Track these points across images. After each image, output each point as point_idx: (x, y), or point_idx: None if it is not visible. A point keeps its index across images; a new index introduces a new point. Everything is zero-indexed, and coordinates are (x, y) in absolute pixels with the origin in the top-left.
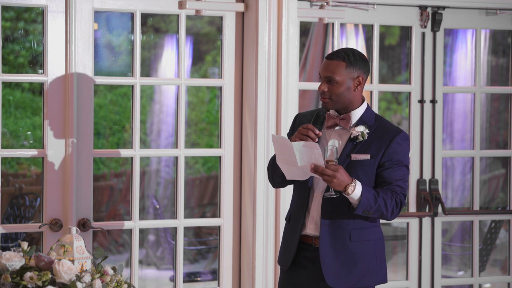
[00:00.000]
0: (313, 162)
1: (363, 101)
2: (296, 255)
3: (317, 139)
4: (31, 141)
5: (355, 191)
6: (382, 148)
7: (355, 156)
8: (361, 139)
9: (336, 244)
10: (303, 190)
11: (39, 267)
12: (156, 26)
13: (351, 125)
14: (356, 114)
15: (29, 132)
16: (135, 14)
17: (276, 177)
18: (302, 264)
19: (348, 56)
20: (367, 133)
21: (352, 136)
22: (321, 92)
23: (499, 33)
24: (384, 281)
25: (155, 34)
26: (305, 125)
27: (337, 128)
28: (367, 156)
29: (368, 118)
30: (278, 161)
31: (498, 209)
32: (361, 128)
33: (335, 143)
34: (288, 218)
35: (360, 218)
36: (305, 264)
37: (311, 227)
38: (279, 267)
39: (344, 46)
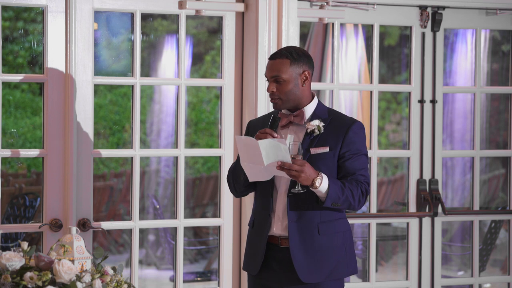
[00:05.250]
0: (280, 159)
1: (313, 96)
2: (264, 257)
3: None
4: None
5: (322, 184)
6: (339, 139)
7: (314, 150)
8: (318, 132)
9: (306, 239)
10: (266, 190)
11: (39, 267)
12: (156, 26)
13: (305, 121)
14: (309, 109)
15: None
16: (135, 14)
17: (238, 185)
18: (271, 266)
19: (290, 53)
20: (323, 126)
21: (308, 131)
22: (270, 93)
23: (499, 33)
24: (355, 272)
25: (155, 34)
26: (263, 129)
27: (291, 126)
28: (326, 149)
29: (321, 112)
30: (242, 163)
31: (498, 209)
32: (316, 122)
33: (294, 139)
34: (252, 223)
35: (326, 211)
36: (273, 265)
37: (278, 227)
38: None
39: (344, 46)
